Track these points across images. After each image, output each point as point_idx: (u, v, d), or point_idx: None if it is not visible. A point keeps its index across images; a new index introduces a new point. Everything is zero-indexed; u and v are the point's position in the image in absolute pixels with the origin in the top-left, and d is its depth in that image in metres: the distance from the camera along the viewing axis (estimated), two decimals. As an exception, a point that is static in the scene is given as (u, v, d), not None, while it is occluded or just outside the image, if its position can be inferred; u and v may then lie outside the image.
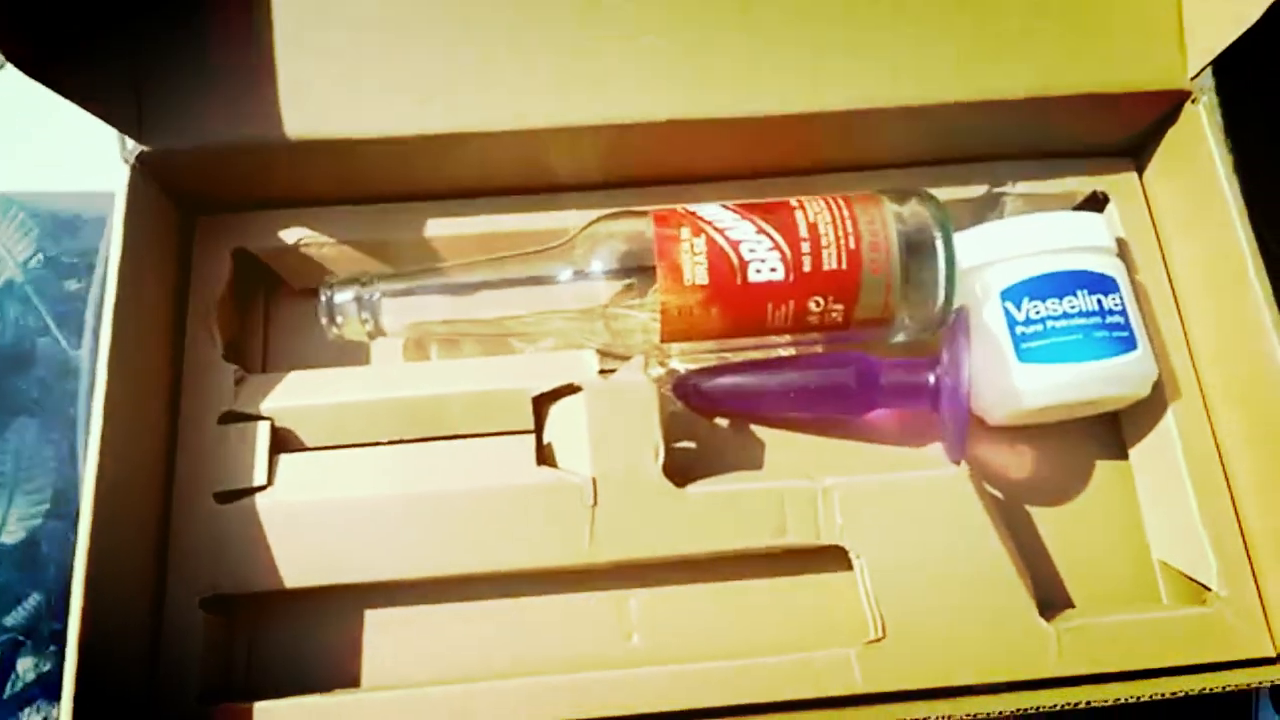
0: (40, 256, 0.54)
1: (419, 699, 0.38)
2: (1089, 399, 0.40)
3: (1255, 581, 0.39)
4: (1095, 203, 0.46)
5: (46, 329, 0.52)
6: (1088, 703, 0.33)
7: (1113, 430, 0.45)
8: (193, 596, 0.39)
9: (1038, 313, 0.39)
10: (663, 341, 0.41)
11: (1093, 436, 0.45)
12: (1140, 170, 0.46)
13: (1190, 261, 0.43)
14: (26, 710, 0.45)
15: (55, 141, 0.54)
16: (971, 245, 0.41)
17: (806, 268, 0.39)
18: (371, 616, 0.42)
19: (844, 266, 0.39)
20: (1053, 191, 0.45)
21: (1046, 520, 0.43)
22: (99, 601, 0.35)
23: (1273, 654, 0.38)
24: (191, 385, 0.42)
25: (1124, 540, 0.43)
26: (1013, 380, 0.39)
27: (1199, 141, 0.41)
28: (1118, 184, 0.45)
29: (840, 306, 0.40)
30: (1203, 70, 0.41)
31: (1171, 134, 0.43)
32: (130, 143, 0.40)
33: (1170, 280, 0.44)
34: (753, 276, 0.39)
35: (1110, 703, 0.33)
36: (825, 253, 0.39)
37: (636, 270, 0.40)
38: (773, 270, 0.39)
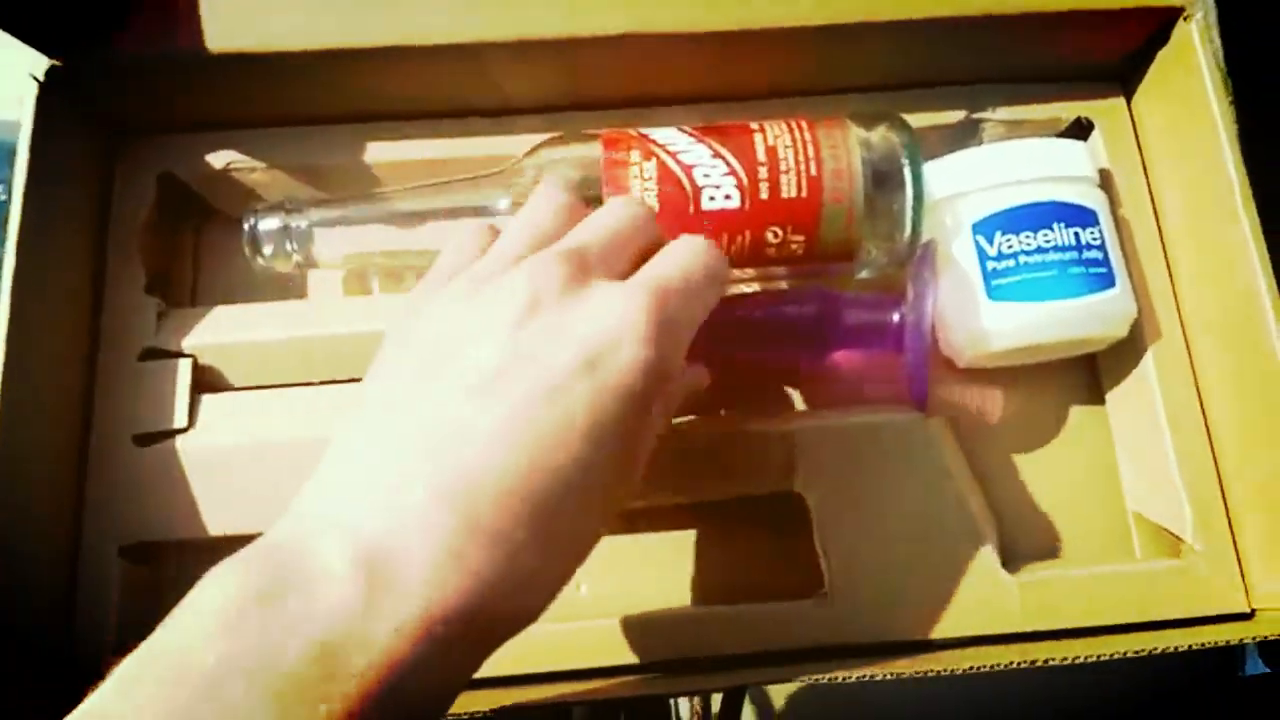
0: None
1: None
2: (1063, 339, 0.37)
3: (1232, 534, 0.37)
4: (1080, 129, 0.43)
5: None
6: (1046, 660, 0.31)
7: (1090, 373, 0.42)
8: (111, 544, 0.37)
9: (1010, 247, 0.37)
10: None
11: (1068, 379, 0.42)
12: (1129, 95, 0.43)
13: (1176, 192, 0.40)
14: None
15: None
16: (943, 174, 0.38)
17: (764, 195, 0.36)
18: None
19: (804, 195, 0.36)
20: (1035, 117, 0.42)
21: (1017, 468, 0.41)
22: (7, 549, 0.33)
23: (1247, 609, 0.36)
24: (111, 320, 0.39)
25: (1098, 490, 0.41)
26: (982, 319, 0.37)
27: (1189, 62, 0.38)
28: (1104, 109, 0.42)
29: (800, 238, 0.37)
30: (1196, -15, 0.38)
31: (1162, 55, 0.40)
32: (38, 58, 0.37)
33: (1156, 213, 0.41)
34: (706, 204, 0.36)
35: (1072, 661, 0.31)
36: (784, 179, 0.36)
37: (593, 200, 0.38)
38: (727, 197, 0.36)
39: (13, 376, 0.34)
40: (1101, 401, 0.42)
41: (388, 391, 0.27)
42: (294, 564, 0.23)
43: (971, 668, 0.32)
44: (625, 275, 0.28)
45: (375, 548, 0.23)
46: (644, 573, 0.39)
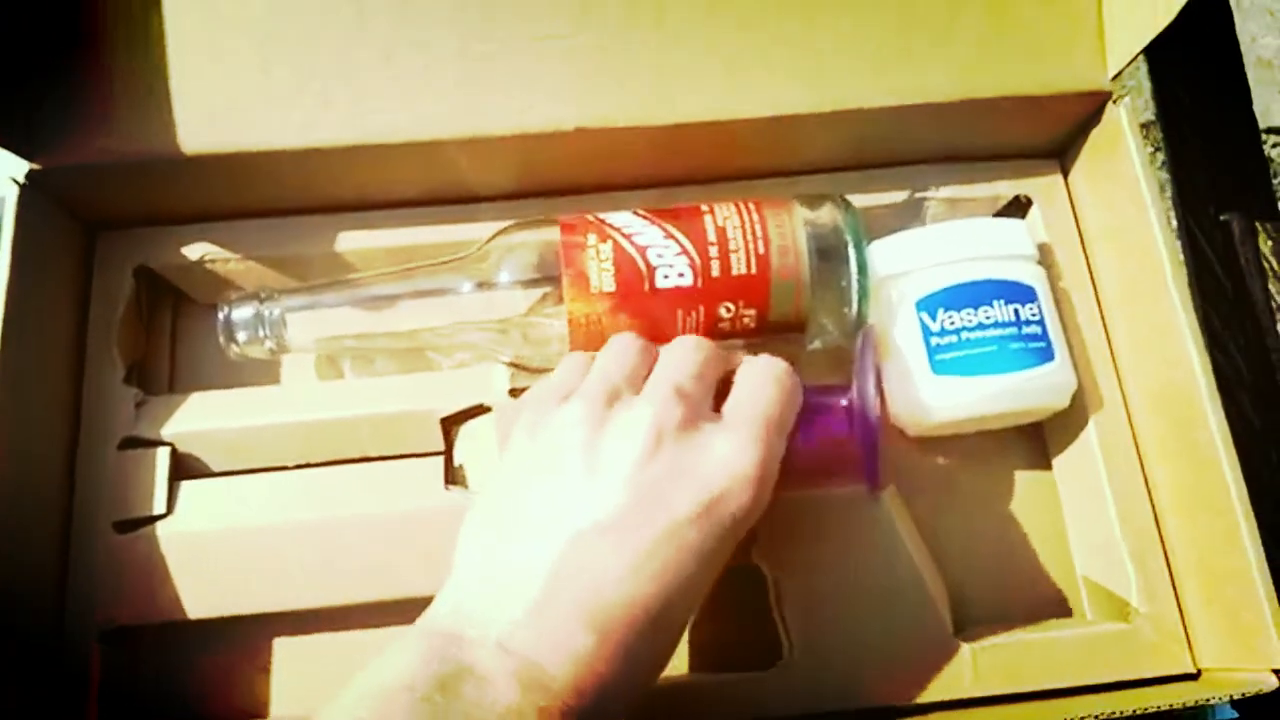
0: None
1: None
2: (1005, 411, 0.38)
3: (1176, 596, 0.38)
4: (1019, 206, 0.45)
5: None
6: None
7: (1037, 441, 0.44)
8: (91, 629, 0.38)
9: (952, 323, 0.38)
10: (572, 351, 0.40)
11: (1018, 448, 0.43)
12: (1065, 172, 0.45)
13: (1112, 266, 0.42)
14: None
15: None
16: (888, 253, 0.40)
17: (715, 272, 0.38)
18: (280, 646, 0.41)
19: (753, 271, 0.38)
20: (976, 195, 0.44)
21: (969, 534, 0.42)
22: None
23: (1193, 670, 0.37)
24: (90, 410, 0.41)
25: (1048, 555, 0.42)
26: (926, 393, 0.38)
27: (1120, 142, 0.40)
28: (1042, 187, 0.44)
29: (752, 312, 0.39)
30: (1123, 70, 0.40)
31: (1094, 135, 0.42)
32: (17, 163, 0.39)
33: (1094, 286, 0.43)
34: (660, 282, 0.38)
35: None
36: (734, 257, 0.38)
37: (555, 279, 0.39)
38: (680, 276, 0.38)
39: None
40: (1049, 468, 0.43)
41: (523, 506, 0.31)
42: (464, 661, 0.27)
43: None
44: (716, 406, 0.33)
45: (526, 661, 0.27)
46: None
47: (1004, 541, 0.42)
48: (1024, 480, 0.43)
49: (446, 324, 0.41)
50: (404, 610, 0.39)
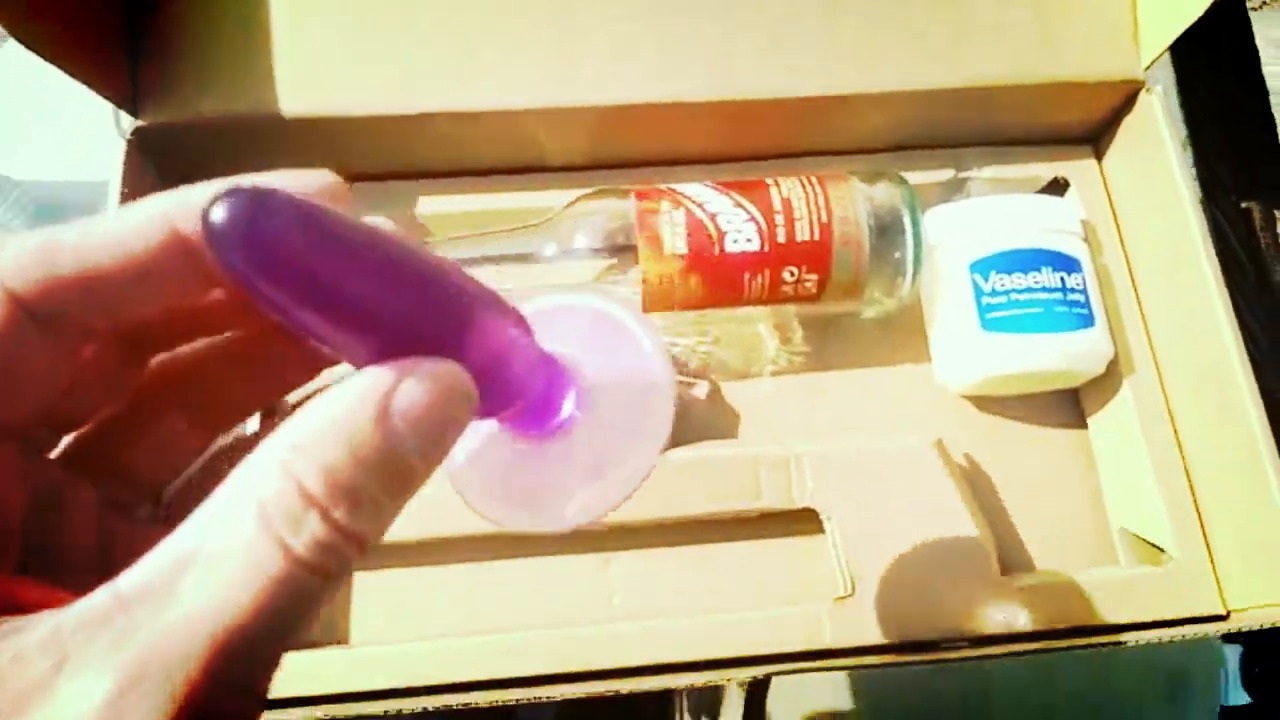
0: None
1: (406, 654, 0.38)
2: (1047, 370, 0.41)
3: (1206, 544, 0.41)
4: (1056, 187, 0.48)
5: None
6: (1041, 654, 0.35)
7: (1074, 404, 0.46)
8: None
9: (1003, 285, 0.41)
10: (644, 311, 0.42)
11: (1056, 410, 0.46)
12: (1099, 156, 0.48)
13: (1146, 245, 0.45)
14: None
15: (69, 130, 0.55)
16: (947, 220, 0.43)
17: (781, 239, 0.41)
18: (356, 580, 0.43)
19: (816, 238, 0.41)
20: (1016, 176, 0.47)
21: (1012, 489, 0.44)
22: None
23: (1223, 611, 0.40)
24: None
25: (1085, 508, 0.45)
26: (976, 347, 0.41)
27: (1153, 129, 0.44)
28: (1078, 170, 0.48)
29: (814, 276, 0.41)
30: (1155, 60, 0.43)
31: (1127, 122, 0.45)
32: (125, 119, 0.42)
33: (1128, 262, 0.46)
34: (729, 246, 0.41)
35: (1067, 648, 0.35)
36: (798, 225, 0.41)
37: (620, 249, 0.42)
38: (749, 241, 0.41)
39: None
40: (1084, 427, 0.46)
41: None
42: None
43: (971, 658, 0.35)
44: None
45: None
46: (674, 582, 0.42)
47: (1044, 496, 0.45)
48: (1062, 439, 0.46)
49: (516, 289, 0.43)
50: (478, 547, 0.42)
